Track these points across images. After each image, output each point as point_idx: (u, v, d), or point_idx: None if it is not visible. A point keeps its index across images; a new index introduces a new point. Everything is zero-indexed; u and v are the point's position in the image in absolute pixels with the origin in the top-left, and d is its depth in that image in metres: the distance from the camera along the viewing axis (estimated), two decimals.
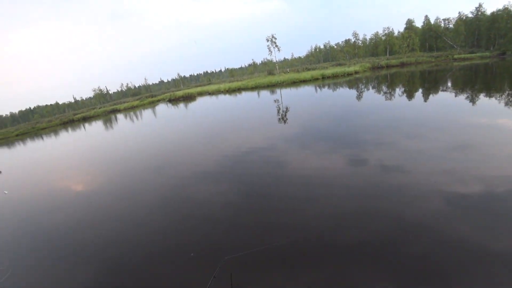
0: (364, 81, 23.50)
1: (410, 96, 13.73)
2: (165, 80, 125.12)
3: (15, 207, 8.59)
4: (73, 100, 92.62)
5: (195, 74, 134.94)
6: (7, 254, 5.56)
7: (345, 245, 3.86)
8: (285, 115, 13.27)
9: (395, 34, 47.74)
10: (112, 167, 10.77)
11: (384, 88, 17.29)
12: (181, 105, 34.13)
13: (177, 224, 5.21)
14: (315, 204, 4.96)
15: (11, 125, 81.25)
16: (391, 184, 5.22)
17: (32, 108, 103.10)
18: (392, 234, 3.94)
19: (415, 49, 41.83)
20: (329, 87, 22.80)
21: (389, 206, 4.55)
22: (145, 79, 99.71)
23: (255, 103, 21.33)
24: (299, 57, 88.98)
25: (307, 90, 23.26)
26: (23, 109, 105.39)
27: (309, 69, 41.13)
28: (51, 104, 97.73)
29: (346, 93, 17.68)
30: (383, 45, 49.55)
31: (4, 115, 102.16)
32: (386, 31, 47.75)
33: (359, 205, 4.67)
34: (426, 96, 13.13)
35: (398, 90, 15.65)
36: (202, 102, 32.10)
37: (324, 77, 30.68)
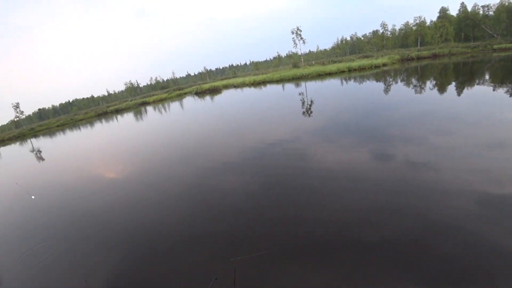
0: (392, 74, 22.82)
1: (442, 89, 13.27)
2: (192, 74, 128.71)
3: (58, 191, 9.57)
4: (106, 94, 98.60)
5: (221, 68, 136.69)
6: (52, 232, 6.33)
7: (368, 242, 3.77)
8: (310, 108, 13.37)
9: (427, 24, 45.39)
10: (142, 157, 11.62)
11: (414, 81, 16.78)
12: (207, 97, 34.88)
13: (201, 212, 5.53)
14: (338, 199, 4.98)
15: (52, 117, 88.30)
16: (419, 181, 5.04)
17: (70, 101, 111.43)
18: (418, 233, 3.76)
19: (449, 40, 39.67)
20: (355, 80, 22.42)
21: (417, 203, 4.40)
22: (172, 72, 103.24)
23: (280, 96, 21.49)
24: (325, 49, 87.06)
25: (333, 83, 23.02)
26: (63, 102, 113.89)
27: (335, 62, 40.40)
28: (87, 98, 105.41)
29: (373, 86, 17.36)
30: (413, 35, 47.27)
31: (46, 108, 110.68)
32: (417, 21, 45.42)
33: (385, 201, 4.59)
34: (460, 90, 12.61)
35: (429, 83, 15.12)
36: (227, 95, 32.64)
37: (350, 70, 30.06)
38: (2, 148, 37.08)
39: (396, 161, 5.99)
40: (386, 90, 14.87)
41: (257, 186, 6.14)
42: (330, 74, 29.98)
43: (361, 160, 6.32)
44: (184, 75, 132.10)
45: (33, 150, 25.42)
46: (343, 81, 22.95)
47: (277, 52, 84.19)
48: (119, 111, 50.90)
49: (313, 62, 49.19)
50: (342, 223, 4.26)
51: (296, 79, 31.83)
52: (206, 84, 50.84)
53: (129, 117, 35.64)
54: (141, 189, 7.71)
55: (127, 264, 4.40)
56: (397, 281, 3.10)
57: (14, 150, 31.96)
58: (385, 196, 4.75)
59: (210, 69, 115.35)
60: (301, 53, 52.61)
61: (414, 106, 10.80)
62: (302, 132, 9.50)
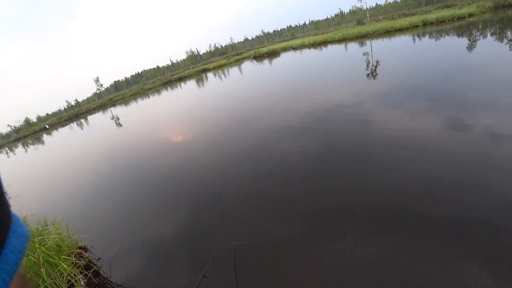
0: (481, 27, 19.43)
1: None
2: (249, 38, 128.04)
3: (131, 152, 11.53)
4: (170, 63, 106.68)
5: (279, 29, 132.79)
6: (123, 187, 7.77)
7: (431, 217, 3.45)
8: (375, 70, 12.59)
9: None
10: (204, 120, 12.85)
11: (511, 35, 14.22)
12: (266, 61, 34.76)
13: (259, 174, 5.87)
14: (400, 168, 4.63)
15: (126, 87, 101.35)
16: (501, 156, 4.27)
17: (139, 72, 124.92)
18: (492, 214, 3.27)
19: None
20: (431, 36, 19.84)
21: (495, 180, 3.79)
22: (230, 38, 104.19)
23: (342, 57, 20.42)
24: (395, 1, 76.85)
25: (403, 40, 20.81)
26: (133, 73, 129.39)
27: (407, 15, 35.80)
28: (153, 68, 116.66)
29: (454, 43, 15.21)
30: None
31: (120, 80, 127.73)
32: None
33: (455, 175, 4.12)
34: None
35: None
36: (286, 58, 32.05)
37: (425, 24, 26.46)
38: (89, 116, 44.49)
39: (475, 132, 5.11)
40: (471, 48, 12.99)
41: (314, 151, 6.16)
42: (400, 30, 26.94)
43: (430, 129, 5.61)
44: (242, 40, 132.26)
45: (112, 118, 29.70)
46: (416, 37, 20.52)
47: (339, 8, 77.30)
48: (182, 79, 54.29)
49: (380, 17, 44.27)
50: (402, 194, 3.99)
51: (361, 38, 29.43)
52: (264, 47, 50.22)
53: (191, 84, 37.96)
54: (205, 149, 8.75)
55: (196, 213, 5.26)
56: (462, 264, 2.82)
57: (98, 118, 37.74)
58: (457, 169, 4.22)
59: (268, 32, 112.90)
60: (367, 8, 47.60)
61: (507, 68, 8.99)
62: (365, 96, 9.08)
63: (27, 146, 36.16)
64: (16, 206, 6.61)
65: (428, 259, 2.93)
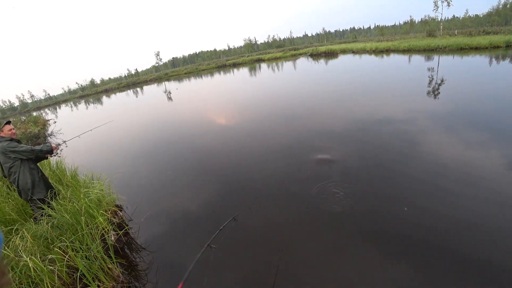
0: None
1: None
2: (309, 34, 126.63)
3: (175, 126, 12.79)
4: (227, 48, 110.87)
5: (340, 30, 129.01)
6: (163, 158, 8.59)
7: (468, 258, 3.12)
8: (438, 88, 11.77)
9: None
10: (248, 108, 13.50)
11: None
12: (322, 60, 34.19)
13: (291, 175, 5.84)
14: (445, 201, 4.18)
15: (182, 65, 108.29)
16: None
17: (197, 53, 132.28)
18: None
19: None
20: None
21: None
22: (290, 32, 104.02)
23: (403, 68, 19.43)
24: (476, 15, 69.64)
25: (478, 61, 18.92)
26: (191, 53, 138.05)
27: (488, 33, 32.31)
28: (210, 50, 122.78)
29: None
30: None
31: (178, 57, 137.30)
32: None
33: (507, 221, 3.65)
34: None
35: None
36: (343, 60, 31.28)
37: (509, 46, 23.62)
38: (145, 86, 48.83)
39: None
40: None
41: (354, 163, 5.88)
42: (476, 49, 24.46)
43: (487, 165, 5.00)
44: (301, 35, 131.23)
45: (165, 91, 32.09)
46: (494, 60, 18.38)
47: (410, 16, 72.43)
48: (236, 65, 55.75)
49: (456, 31, 40.66)
50: (449, 232, 3.57)
51: (429, 51, 27.48)
52: (323, 46, 49.16)
53: (244, 71, 38.81)
54: (244, 135, 9.29)
55: (223, 192, 5.72)
56: None
57: (152, 89, 40.99)
58: (500, 214, 3.71)
59: (329, 31, 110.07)
60: (442, 19, 44.01)
61: None
62: (419, 114, 8.48)
63: (88, 104, 40.61)
64: (70, 158, 7.58)
65: None
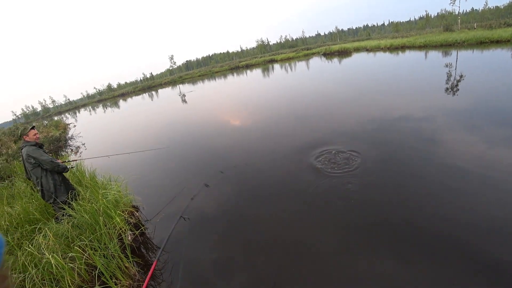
0: None
1: None
2: (322, 33, 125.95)
3: (190, 127, 12.96)
4: (239, 50, 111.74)
5: (353, 28, 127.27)
6: (177, 160, 8.78)
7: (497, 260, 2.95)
8: (457, 85, 11.35)
9: None
10: (261, 110, 13.58)
11: None
12: (335, 59, 33.84)
13: (302, 174, 5.81)
14: (463, 203, 3.98)
15: (195, 68, 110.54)
16: None
17: (210, 55, 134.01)
18: None
19: None
20: None
21: None
22: (302, 31, 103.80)
23: (419, 64, 18.92)
24: (496, 7, 66.72)
25: (499, 55, 18.03)
26: (205, 55, 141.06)
27: (509, 25, 30.98)
28: (223, 52, 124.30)
29: None
30: None
31: (192, 60, 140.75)
32: None
33: None
34: None
35: None
36: (357, 58, 30.82)
37: None
38: (160, 90, 50.34)
39: None
40: None
41: (369, 164, 5.66)
42: (498, 43, 23.33)
43: (507, 162, 4.76)
44: (314, 35, 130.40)
45: (180, 94, 32.75)
46: None
47: (425, 11, 70.39)
48: (249, 66, 55.97)
49: (475, 24, 39.19)
50: (465, 233, 3.45)
51: (446, 46, 26.61)
52: (336, 45, 48.56)
53: (257, 72, 38.90)
54: (257, 136, 9.42)
55: (239, 195, 5.78)
56: None
57: (167, 92, 41.97)
58: None
59: (342, 29, 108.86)
60: (459, 12, 42.49)
61: None
62: (437, 111, 8.13)
63: (106, 108, 41.90)
64: (88, 162, 7.82)
65: None
